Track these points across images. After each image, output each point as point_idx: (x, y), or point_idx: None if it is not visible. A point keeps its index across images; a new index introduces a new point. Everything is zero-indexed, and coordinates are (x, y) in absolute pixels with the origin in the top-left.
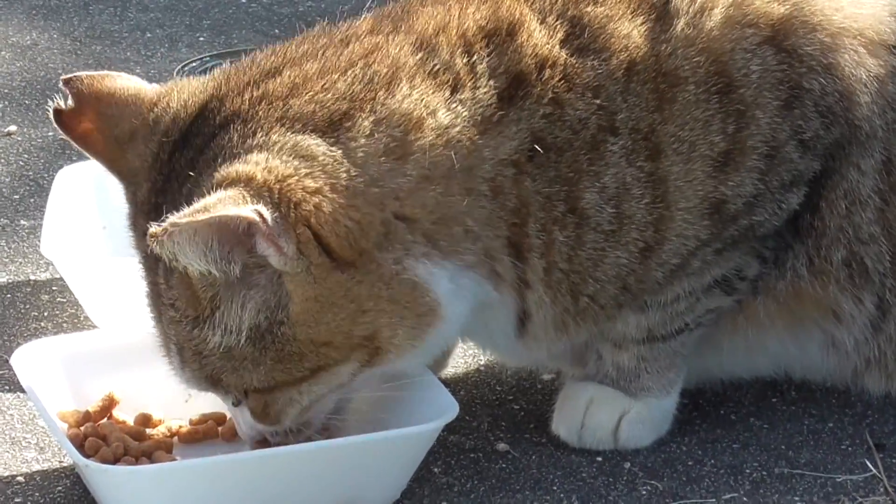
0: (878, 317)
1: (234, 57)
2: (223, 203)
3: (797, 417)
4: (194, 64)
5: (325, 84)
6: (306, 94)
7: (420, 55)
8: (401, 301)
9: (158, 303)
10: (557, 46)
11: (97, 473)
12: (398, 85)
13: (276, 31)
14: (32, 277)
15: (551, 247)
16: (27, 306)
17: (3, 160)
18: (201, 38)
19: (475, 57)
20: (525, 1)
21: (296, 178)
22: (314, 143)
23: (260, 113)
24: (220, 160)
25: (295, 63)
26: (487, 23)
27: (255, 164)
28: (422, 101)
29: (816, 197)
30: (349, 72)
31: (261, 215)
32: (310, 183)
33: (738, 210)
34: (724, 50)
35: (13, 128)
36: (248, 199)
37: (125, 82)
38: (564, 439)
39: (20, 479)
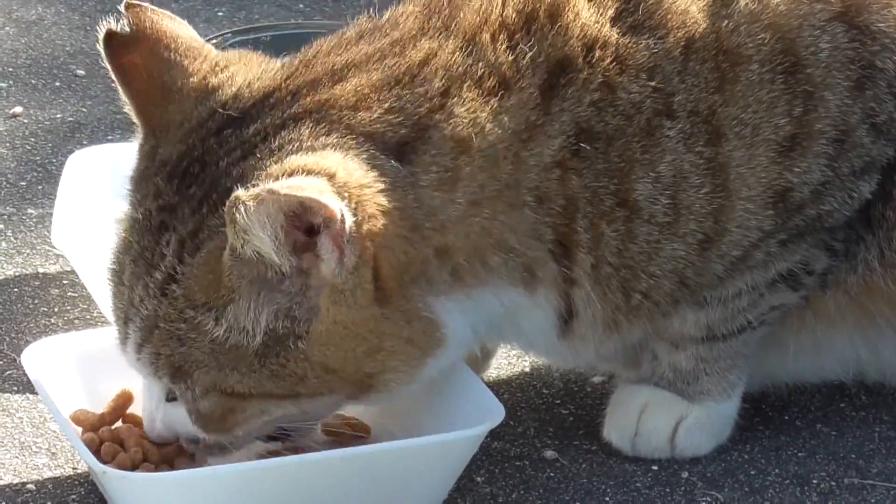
0: None
1: (258, 34)
2: (314, 188)
3: (868, 424)
4: (215, 41)
5: (392, 104)
6: (375, 109)
7: (469, 59)
8: (415, 340)
9: (143, 270)
10: (608, 25)
11: (115, 480)
12: (450, 101)
13: (301, 5)
14: (41, 270)
15: (599, 241)
16: (36, 301)
17: (8, 144)
18: (220, 13)
19: (517, 50)
20: None
21: (373, 189)
22: (389, 163)
23: (332, 116)
24: (289, 150)
25: (359, 67)
26: (525, 6)
27: (335, 162)
28: (470, 119)
29: (889, 185)
30: (412, 89)
31: (342, 214)
32: (383, 201)
33: (805, 199)
34: (790, 26)
35: (19, 109)
36: (332, 193)
37: (190, 32)
38: (617, 446)
39: (31, 486)
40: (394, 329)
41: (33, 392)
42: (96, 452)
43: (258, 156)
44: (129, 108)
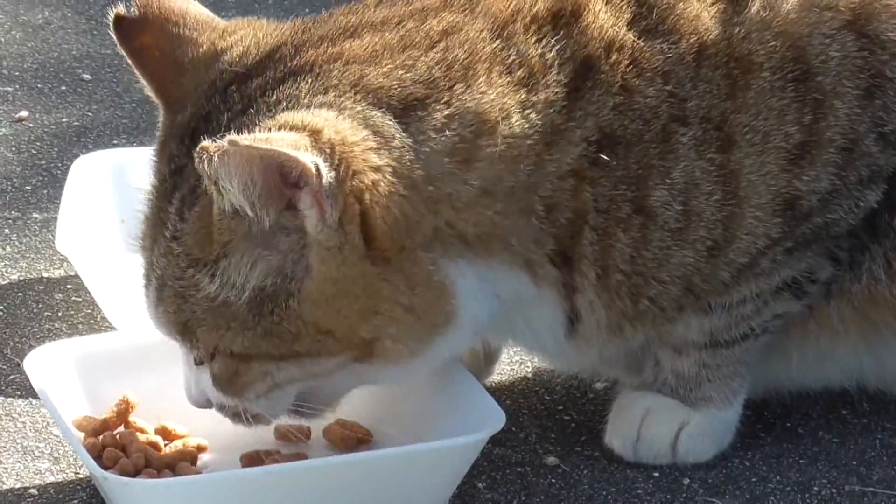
0: None
1: None
2: (286, 142)
3: (870, 431)
4: None
5: (404, 60)
6: (385, 65)
7: (498, 43)
8: (419, 310)
9: (158, 232)
10: (625, 28)
11: (117, 486)
12: (476, 78)
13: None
14: (45, 275)
15: (609, 252)
16: (40, 306)
17: (13, 148)
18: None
19: (545, 45)
20: None
21: (362, 147)
22: (387, 121)
23: (334, 72)
24: (283, 106)
25: (375, 28)
26: (553, 2)
27: (323, 120)
28: (498, 102)
29: (895, 195)
30: (430, 52)
31: (318, 168)
32: (374, 158)
33: (813, 207)
34: (801, 34)
35: (24, 113)
36: (310, 148)
37: (198, 7)
38: (619, 453)
39: (33, 491)
40: (391, 292)
41: (36, 397)
42: (98, 458)
43: (255, 110)
44: (147, 89)
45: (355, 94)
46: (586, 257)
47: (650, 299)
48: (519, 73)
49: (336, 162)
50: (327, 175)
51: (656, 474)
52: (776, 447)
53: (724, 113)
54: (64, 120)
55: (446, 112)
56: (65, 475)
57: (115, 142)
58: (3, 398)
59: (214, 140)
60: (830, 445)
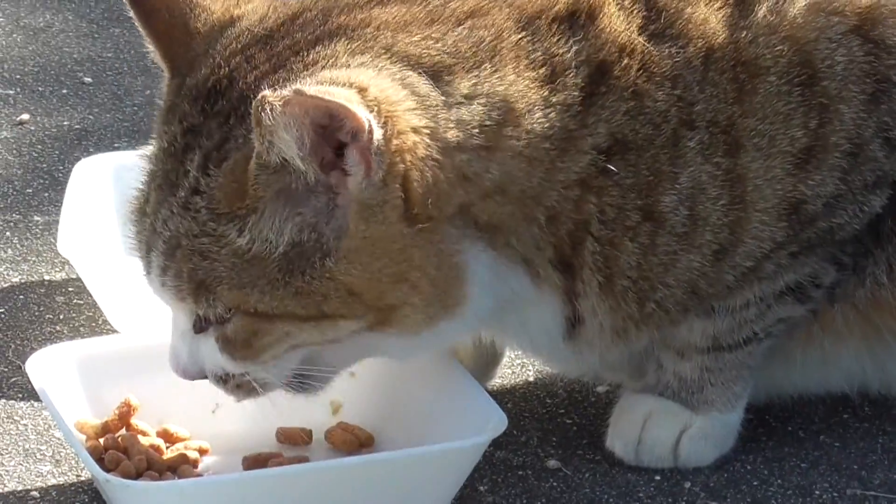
0: None
1: None
2: (343, 96)
3: (871, 435)
4: None
5: (432, 32)
6: (414, 34)
7: (524, 35)
8: (439, 285)
9: (168, 193)
10: (636, 32)
11: (119, 489)
12: (503, 63)
13: None
14: (47, 277)
15: (615, 260)
16: (41, 308)
17: (15, 151)
18: None
19: (564, 45)
20: None
21: (403, 107)
22: (423, 82)
23: (368, 36)
24: (322, 65)
25: (401, 0)
26: (570, 2)
27: (368, 78)
28: (524, 94)
29: None
30: (457, 29)
31: (370, 125)
32: (414, 119)
33: (818, 211)
34: (808, 39)
35: (26, 116)
36: (361, 104)
37: None
38: (620, 456)
39: (35, 494)
40: (422, 259)
41: (38, 399)
42: (100, 460)
43: (289, 68)
44: (153, 54)
45: (387, 55)
46: (588, 266)
47: (656, 302)
48: (542, 70)
49: (383, 120)
50: (378, 132)
51: (658, 478)
52: (778, 451)
53: (731, 117)
54: (65, 123)
55: (475, 83)
56: (67, 478)
57: (116, 145)
58: (4, 401)
59: (275, 90)
60: (832, 449)
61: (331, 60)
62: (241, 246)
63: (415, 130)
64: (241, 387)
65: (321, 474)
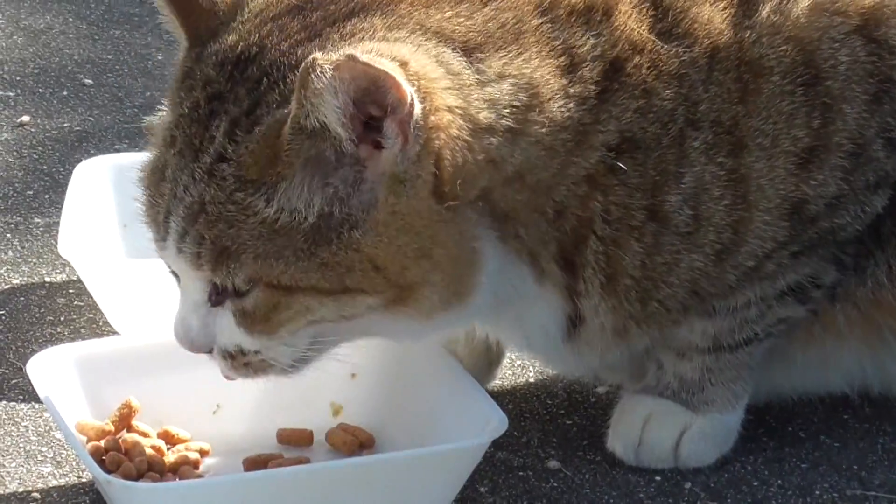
0: None
1: None
2: (392, 68)
3: (871, 436)
4: None
5: (461, 10)
6: (446, 11)
7: (543, 21)
8: (458, 268)
9: (191, 159)
10: (647, 30)
11: (120, 490)
12: (527, 47)
13: None
14: (48, 279)
15: (618, 260)
16: (42, 310)
17: (15, 152)
18: None
19: (582, 37)
20: None
21: (440, 85)
22: (457, 60)
23: (402, 11)
24: (360, 37)
25: None
26: None
27: (409, 52)
28: (548, 80)
29: None
30: (484, 9)
31: (412, 99)
32: (450, 98)
33: (820, 211)
34: (811, 38)
35: (26, 118)
36: (405, 77)
37: None
38: (620, 457)
39: (36, 495)
40: (445, 238)
41: (39, 401)
42: (101, 462)
43: (326, 38)
44: (171, 24)
45: (422, 32)
46: (590, 265)
47: (659, 301)
48: (562, 59)
49: (421, 96)
50: (418, 106)
51: (658, 478)
52: (778, 451)
53: (735, 117)
54: (66, 125)
55: (504, 63)
56: (68, 479)
57: (116, 147)
58: (5, 402)
59: (325, 53)
60: (832, 450)
61: (369, 33)
62: (269, 215)
63: (449, 109)
64: (248, 365)
65: (322, 475)
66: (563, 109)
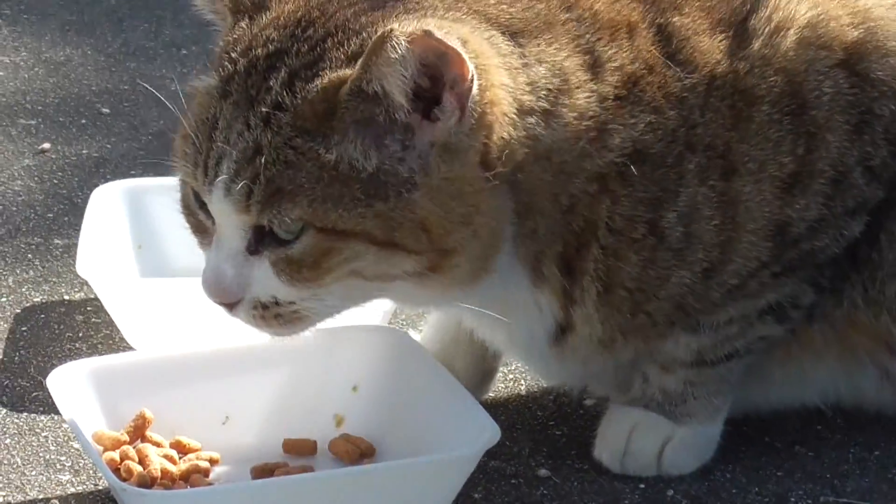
0: None
1: None
2: (458, 45)
3: (843, 445)
4: None
5: (502, 2)
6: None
7: (569, 16)
8: (491, 240)
9: (246, 107)
10: (656, 52)
11: (134, 497)
12: (557, 38)
13: None
14: (67, 297)
15: (617, 271)
16: (62, 327)
17: (36, 178)
18: None
19: (605, 45)
20: (636, 3)
21: (494, 63)
22: (505, 41)
23: None
24: (423, 13)
25: None
26: (612, 13)
27: (469, 31)
28: (576, 70)
29: (876, 228)
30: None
31: (472, 75)
32: (503, 77)
33: (801, 233)
34: (798, 70)
35: (47, 145)
36: (468, 55)
37: None
38: (607, 465)
39: (55, 501)
40: (487, 208)
41: (58, 412)
42: (116, 470)
43: (391, 10)
44: (213, 5)
45: (475, 15)
46: (589, 273)
47: (647, 314)
48: (587, 57)
49: (479, 72)
50: (477, 83)
51: (642, 486)
52: (755, 461)
53: (728, 142)
54: (84, 151)
55: (540, 50)
56: (85, 486)
57: (132, 172)
58: (26, 414)
59: (402, 25)
60: (806, 459)
61: (430, 10)
62: (329, 160)
63: (503, 86)
64: (279, 317)
65: (325, 483)
66: (587, 101)
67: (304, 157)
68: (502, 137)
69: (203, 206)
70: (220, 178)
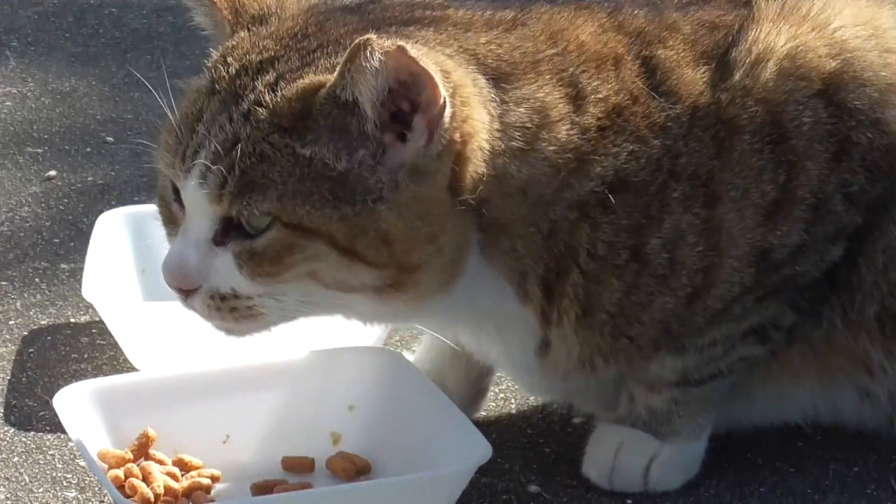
0: None
1: None
2: (434, 70)
3: (823, 462)
4: None
5: (493, 38)
6: (481, 37)
7: (554, 51)
8: (455, 257)
9: (231, 102)
10: (641, 84)
11: None
12: (542, 74)
13: None
14: (73, 320)
15: (597, 295)
16: (67, 348)
17: (43, 204)
18: None
19: (590, 77)
20: (623, 37)
21: (474, 100)
22: (487, 87)
23: (450, 31)
24: (415, 41)
25: (461, 4)
26: (600, 45)
27: (453, 65)
28: (557, 104)
29: (854, 252)
30: (509, 36)
31: (444, 102)
32: (478, 113)
33: (783, 259)
34: (778, 101)
35: (53, 172)
36: (444, 83)
37: None
38: (595, 481)
39: None
40: (452, 229)
41: (64, 431)
42: (121, 487)
43: (383, 32)
44: (213, 18)
45: (464, 54)
46: (568, 296)
47: (629, 338)
48: (570, 90)
49: (455, 103)
50: (448, 111)
51: (629, 501)
52: (738, 476)
53: (711, 171)
54: (89, 179)
55: (523, 92)
56: (90, 503)
57: (135, 199)
58: (34, 433)
59: (381, 37)
60: (787, 475)
61: (422, 41)
62: (303, 155)
63: (478, 120)
64: (235, 310)
65: (323, 499)
66: (568, 133)
67: (279, 153)
68: (476, 171)
69: (178, 197)
70: (196, 164)
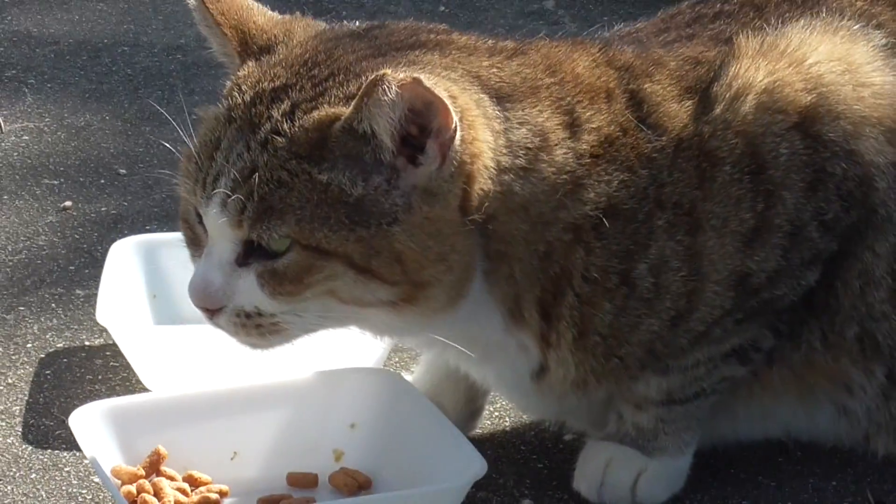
0: (889, 385)
1: None
2: (446, 97)
3: (802, 476)
4: None
5: (495, 62)
6: (484, 61)
7: (552, 80)
8: (463, 276)
9: (248, 131)
10: (630, 116)
11: None
12: (541, 100)
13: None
14: (87, 343)
15: (591, 317)
16: (83, 370)
17: (59, 233)
18: None
19: (584, 107)
20: (613, 71)
21: (480, 122)
22: (491, 106)
23: (452, 55)
24: (419, 67)
25: (463, 32)
26: (594, 78)
27: (463, 89)
28: (556, 129)
29: (832, 276)
30: (510, 63)
31: (456, 126)
32: (485, 134)
33: (761, 283)
34: (756, 133)
35: (69, 203)
36: (454, 108)
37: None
38: (585, 496)
39: None
40: (461, 248)
41: (79, 449)
42: (133, 503)
43: (391, 58)
44: (219, 47)
45: (468, 76)
46: (565, 319)
47: (619, 358)
48: (566, 117)
49: (466, 125)
50: (459, 134)
51: None
52: (721, 490)
53: (693, 200)
54: (103, 209)
55: (524, 114)
56: None
57: (147, 228)
58: (51, 451)
59: (395, 71)
60: (769, 489)
61: (428, 66)
62: (321, 181)
63: (485, 142)
64: (260, 327)
65: None
66: (565, 157)
67: (296, 179)
68: (482, 189)
69: (201, 220)
70: (216, 192)
